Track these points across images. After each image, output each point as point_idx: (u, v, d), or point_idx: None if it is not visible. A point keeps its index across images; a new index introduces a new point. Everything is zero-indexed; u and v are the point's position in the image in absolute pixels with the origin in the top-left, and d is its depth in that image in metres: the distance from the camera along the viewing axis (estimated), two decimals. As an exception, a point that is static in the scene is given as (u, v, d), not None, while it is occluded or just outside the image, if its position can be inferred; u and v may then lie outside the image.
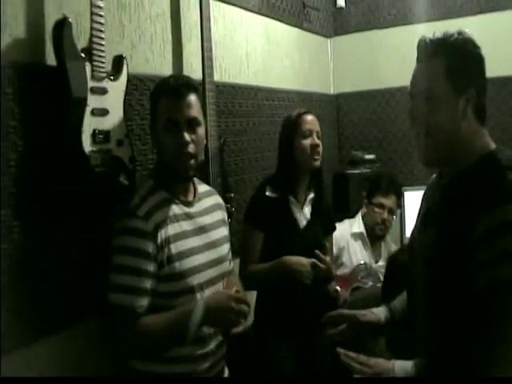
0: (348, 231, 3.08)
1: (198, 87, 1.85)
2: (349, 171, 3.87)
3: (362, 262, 3.01)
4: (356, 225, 3.10)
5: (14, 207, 1.61)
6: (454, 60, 1.36)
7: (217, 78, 2.57)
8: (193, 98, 1.77)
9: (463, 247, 1.28)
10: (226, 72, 2.80)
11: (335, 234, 3.02)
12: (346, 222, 3.19)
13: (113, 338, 1.73)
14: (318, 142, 2.36)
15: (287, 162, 2.38)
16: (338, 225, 3.21)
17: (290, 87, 3.52)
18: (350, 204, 3.61)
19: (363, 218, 3.12)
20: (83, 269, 1.82)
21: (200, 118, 1.79)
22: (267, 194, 2.36)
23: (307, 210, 2.43)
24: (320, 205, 2.46)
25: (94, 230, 1.82)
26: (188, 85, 1.79)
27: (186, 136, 1.74)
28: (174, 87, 1.76)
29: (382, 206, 3.05)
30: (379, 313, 1.68)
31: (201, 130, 1.80)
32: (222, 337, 1.84)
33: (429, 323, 1.42)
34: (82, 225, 1.80)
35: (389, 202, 3.07)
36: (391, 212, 3.08)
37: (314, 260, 2.27)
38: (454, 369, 1.31)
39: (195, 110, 1.77)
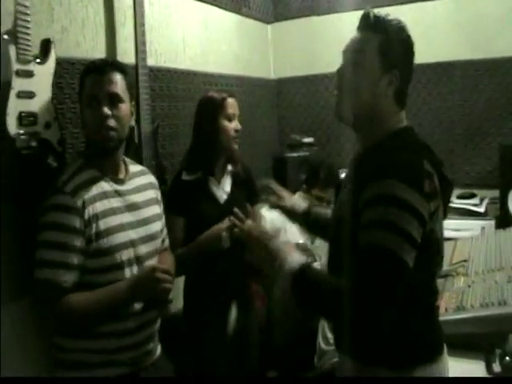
0: (283, 212, 3.17)
1: (125, 69, 1.88)
2: (287, 154, 3.97)
3: (300, 242, 3.11)
4: (292, 206, 3.19)
5: None
6: (388, 38, 1.47)
7: (152, 62, 2.61)
8: (116, 75, 1.80)
9: (353, 212, 1.41)
10: (161, 57, 2.84)
11: (272, 216, 3.12)
12: (282, 203, 3.28)
13: (39, 314, 1.77)
14: (240, 126, 2.40)
15: (207, 143, 2.37)
16: (274, 206, 3.32)
17: (229, 72, 3.58)
18: (288, 186, 3.70)
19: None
20: (14, 249, 1.86)
21: (123, 95, 1.81)
22: (184, 178, 2.36)
23: (227, 183, 2.45)
24: (239, 174, 2.50)
25: (22, 210, 1.85)
26: (112, 64, 1.83)
27: (105, 109, 1.76)
28: (99, 66, 1.80)
29: (320, 199, 3.16)
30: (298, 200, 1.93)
31: (123, 106, 1.82)
32: (154, 311, 1.88)
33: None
34: (11, 205, 1.83)
35: (327, 194, 3.17)
36: (329, 203, 3.17)
37: (231, 219, 2.21)
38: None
39: (117, 87, 1.80)
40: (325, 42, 4.06)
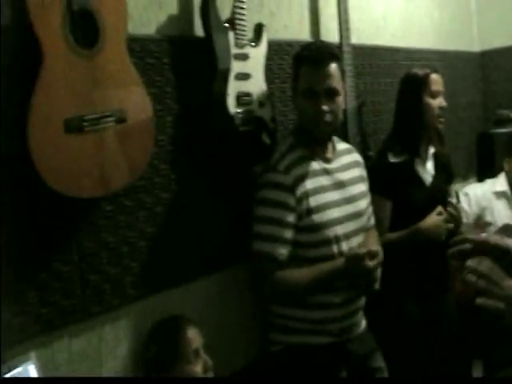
0: (490, 190, 3.01)
1: (337, 54, 1.92)
2: (494, 130, 3.73)
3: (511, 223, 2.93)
4: (499, 183, 3.01)
5: (172, 162, 1.84)
6: None
7: (354, 40, 2.63)
8: (333, 67, 1.84)
9: None
10: (363, 34, 2.85)
11: (477, 194, 2.99)
12: (488, 181, 3.11)
13: (256, 282, 1.89)
14: (444, 103, 2.32)
15: (411, 122, 2.32)
16: (479, 184, 3.18)
17: (430, 46, 3.47)
18: (496, 164, 3.50)
19: (506, 175, 3.02)
20: (231, 218, 2.01)
21: (339, 87, 1.86)
22: (391, 160, 2.30)
23: (430, 165, 2.40)
24: (440, 156, 2.44)
25: (239, 183, 2.01)
26: (330, 54, 1.86)
27: (324, 106, 1.82)
28: (316, 57, 1.84)
29: None
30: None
31: (339, 99, 1.86)
32: (361, 290, 1.92)
33: None
34: (229, 178, 1.99)
35: None
36: None
37: (448, 214, 2.25)
38: None
39: (335, 81, 1.84)
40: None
